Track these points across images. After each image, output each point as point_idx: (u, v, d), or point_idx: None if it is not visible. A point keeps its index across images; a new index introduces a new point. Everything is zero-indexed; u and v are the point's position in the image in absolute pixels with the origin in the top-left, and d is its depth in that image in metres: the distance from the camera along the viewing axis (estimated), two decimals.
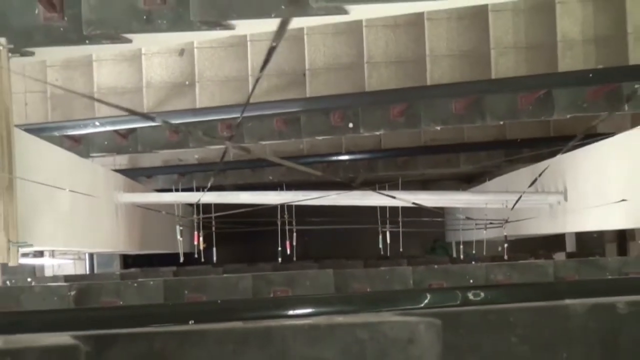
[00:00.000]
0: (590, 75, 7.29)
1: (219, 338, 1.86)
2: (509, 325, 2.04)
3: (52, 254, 9.48)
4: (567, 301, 2.12)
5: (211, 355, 1.84)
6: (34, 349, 1.71)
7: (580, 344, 2.03)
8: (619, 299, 2.09)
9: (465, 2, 4.85)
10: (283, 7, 4.89)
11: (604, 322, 2.04)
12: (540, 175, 7.62)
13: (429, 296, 3.57)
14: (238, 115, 7.78)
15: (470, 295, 3.68)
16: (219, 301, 5.77)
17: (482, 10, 7.83)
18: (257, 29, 5.49)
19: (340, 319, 1.90)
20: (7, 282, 8.89)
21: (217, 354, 1.85)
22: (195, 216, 11.18)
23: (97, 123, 7.84)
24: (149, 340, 1.85)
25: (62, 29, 5.34)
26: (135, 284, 6.97)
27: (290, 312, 3.68)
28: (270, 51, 2.57)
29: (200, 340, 1.84)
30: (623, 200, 5.40)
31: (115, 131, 8.26)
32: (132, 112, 5.73)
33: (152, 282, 7.04)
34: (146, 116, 7.90)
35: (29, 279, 9.18)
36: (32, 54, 5.52)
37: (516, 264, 8.03)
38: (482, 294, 3.66)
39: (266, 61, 2.78)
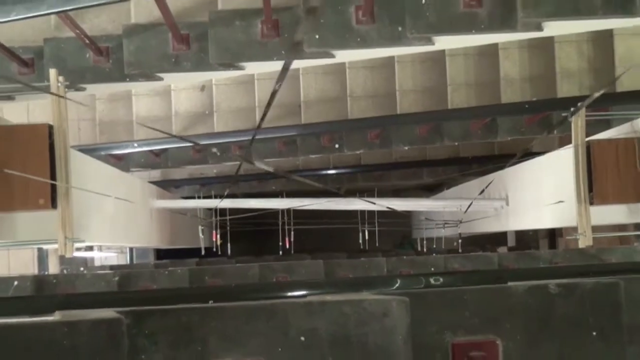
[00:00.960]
0: (526, 106, 7.31)
1: (233, 313, 1.86)
2: (463, 302, 2.04)
3: (100, 248, 9.45)
4: (510, 284, 2.12)
5: (226, 326, 1.84)
6: (86, 321, 1.71)
7: (520, 317, 2.03)
8: (550, 282, 2.09)
9: (422, 49, 4.85)
10: (283, 52, 4.90)
11: (538, 299, 2.04)
12: (487, 185, 7.63)
13: (399, 281, 3.56)
14: (247, 138, 7.80)
15: (432, 280, 3.67)
16: (232, 285, 5.77)
17: (440, 54, 7.85)
18: (262, 69, 5.50)
19: (329, 297, 1.91)
20: (64, 271, 8.86)
21: (232, 325, 1.84)
22: (213, 218, 11.21)
23: (135, 145, 7.86)
24: (176, 315, 1.85)
25: (107, 69, 5.34)
26: (166, 272, 6.96)
27: (289, 294, 3.68)
28: (274, 93, 2.58)
29: (218, 314, 1.84)
30: (560, 201, 5.40)
31: (150, 151, 8.26)
32: (169, 135, 5.66)
33: (179, 270, 7.03)
34: (176, 138, 7.91)
35: (81, 268, 9.16)
36: (84, 89, 5.51)
37: (468, 256, 8.04)
38: (441, 279, 3.65)
39: (270, 102, 2.79)
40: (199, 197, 10.53)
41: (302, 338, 1.83)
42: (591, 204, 4.79)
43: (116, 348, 1.71)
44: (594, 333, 2.02)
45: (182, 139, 8.02)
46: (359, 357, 1.83)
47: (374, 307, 1.85)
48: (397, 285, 3.58)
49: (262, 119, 3.49)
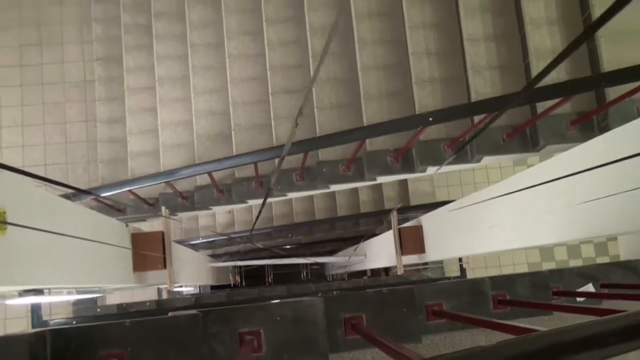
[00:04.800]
0: (370, 214, 7.39)
1: (247, 310, 1.87)
2: (347, 300, 2.06)
3: (185, 285, 9.18)
4: (368, 290, 2.16)
5: (244, 315, 1.85)
6: (185, 315, 1.71)
7: (371, 304, 2.05)
8: (384, 288, 2.13)
9: (325, 191, 4.95)
10: (264, 195, 4.96)
11: (378, 296, 2.07)
12: (356, 248, 7.65)
13: (320, 294, 3.55)
14: (249, 234, 7.78)
15: (334, 292, 3.67)
16: (247, 299, 5.62)
17: (333, 192, 7.93)
18: (255, 202, 5.52)
19: (292, 301, 1.93)
20: (169, 296, 8.58)
21: (247, 315, 1.85)
22: (236, 269, 11.00)
23: (200, 239, 7.77)
24: (222, 311, 1.85)
25: (187, 205, 5.34)
26: (216, 295, 6.81)
27: (272, 301, 3.61)
28: (259, 213, 2.62)
29: (240, 311, 1.85)
30: (390, 254, 5.43)
31: (207, 241, 8.16)
32: (216, 234, 5.53)
33: (221, 293, 6.87)
34: (219, 235, 7.82)
35: (177, 295, 8.87)
36: (177, 214, 5.48)
37: (350, 281, 7.99)
38: (338, 292, 3.66)
39: (257, 216, 2.81)
40: (228, 261, 10.39)
41: (278, 318, 1.85)
42: (402, 254, 4.84)
43: (197, 327, 1.71)
44: (404, 309, 2.06)
45: (222, 235, 7.95)
46: (303, 325, 1.85)
47: (309, 303, 1.88)
48: (319, 295, 3.60)
49: (254, 224, 3.52)
